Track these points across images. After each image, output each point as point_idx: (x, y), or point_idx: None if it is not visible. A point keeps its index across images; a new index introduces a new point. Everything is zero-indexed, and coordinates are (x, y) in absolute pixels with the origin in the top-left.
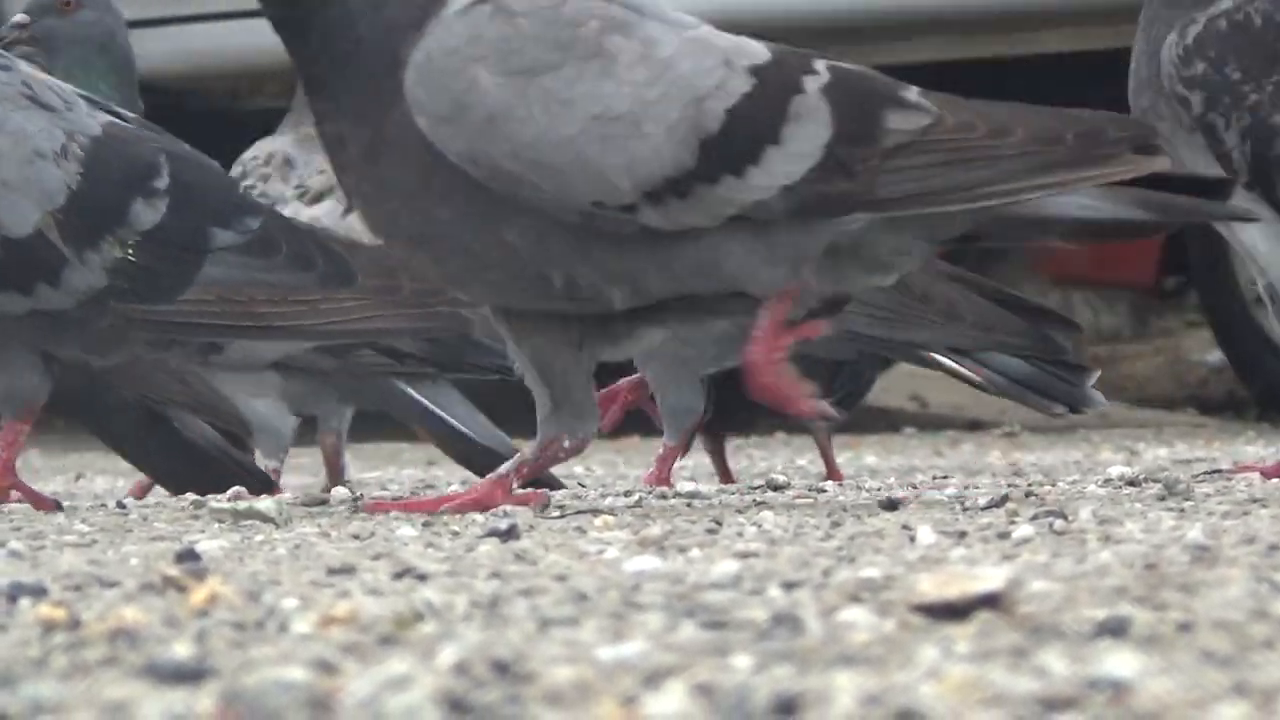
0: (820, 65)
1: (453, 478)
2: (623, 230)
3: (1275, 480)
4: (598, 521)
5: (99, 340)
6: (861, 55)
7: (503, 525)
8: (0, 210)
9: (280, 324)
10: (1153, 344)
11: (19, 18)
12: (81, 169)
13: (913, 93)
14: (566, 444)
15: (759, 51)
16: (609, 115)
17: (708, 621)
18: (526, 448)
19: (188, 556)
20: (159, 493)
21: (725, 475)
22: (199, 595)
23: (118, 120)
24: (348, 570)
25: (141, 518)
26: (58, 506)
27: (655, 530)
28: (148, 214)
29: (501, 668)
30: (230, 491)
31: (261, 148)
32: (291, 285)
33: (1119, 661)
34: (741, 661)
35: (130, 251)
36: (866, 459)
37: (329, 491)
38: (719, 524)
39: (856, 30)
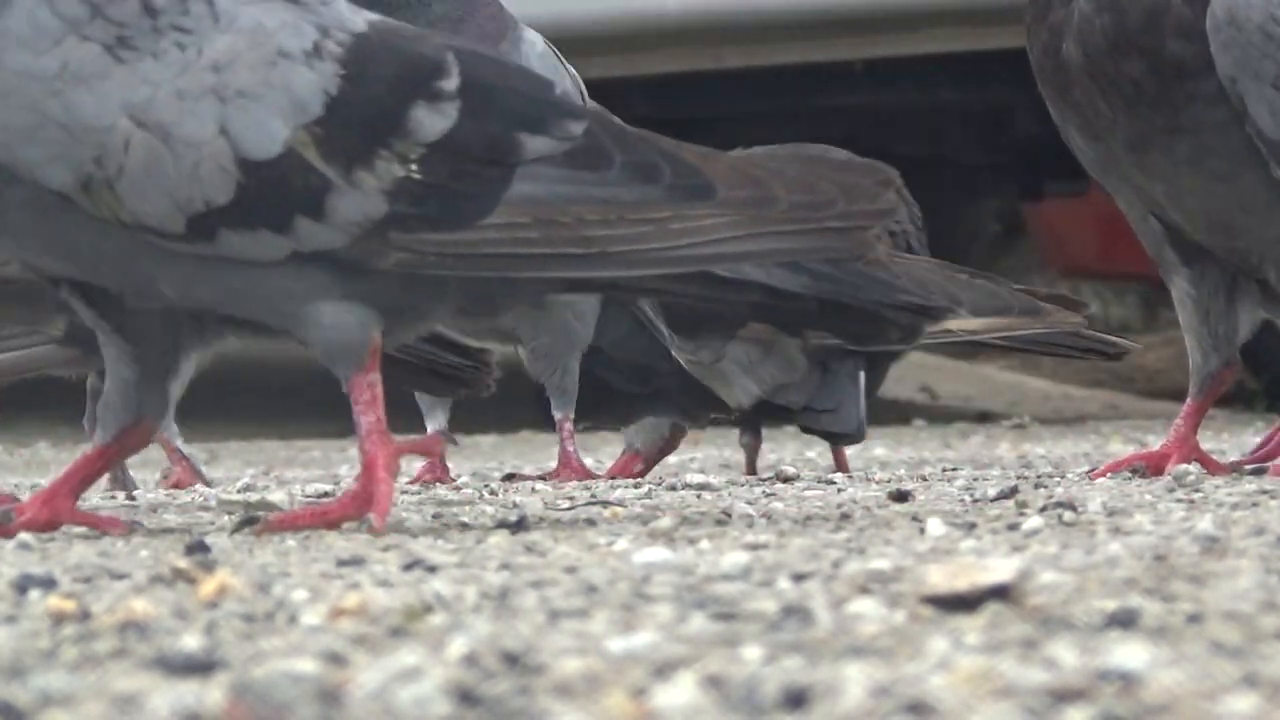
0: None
1: (461, 469)
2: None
3: None
4: (607, 513)
5: (386, 297)
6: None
7: (513, 517)
8: (238, 127)
9: (619, 249)
10: (1162, 335)
11: None
12: (343, 70)
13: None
14: None
15: None
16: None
17: (718, 613)
18: None
19: (197, 548)
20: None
21: (751, 469)
22: (208, 587)
23: (389, 20)
24: (357, 562)
25: (151, 510)
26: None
27: (665, 522)
28: (434, 120)
29: (511, 659)
30: (240, 484)
31: None
32: (631, 201)
33: (1129, 653)
34: (751, 653)
35: (415, 168)
36: (876, 451)
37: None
38: (729, 515)
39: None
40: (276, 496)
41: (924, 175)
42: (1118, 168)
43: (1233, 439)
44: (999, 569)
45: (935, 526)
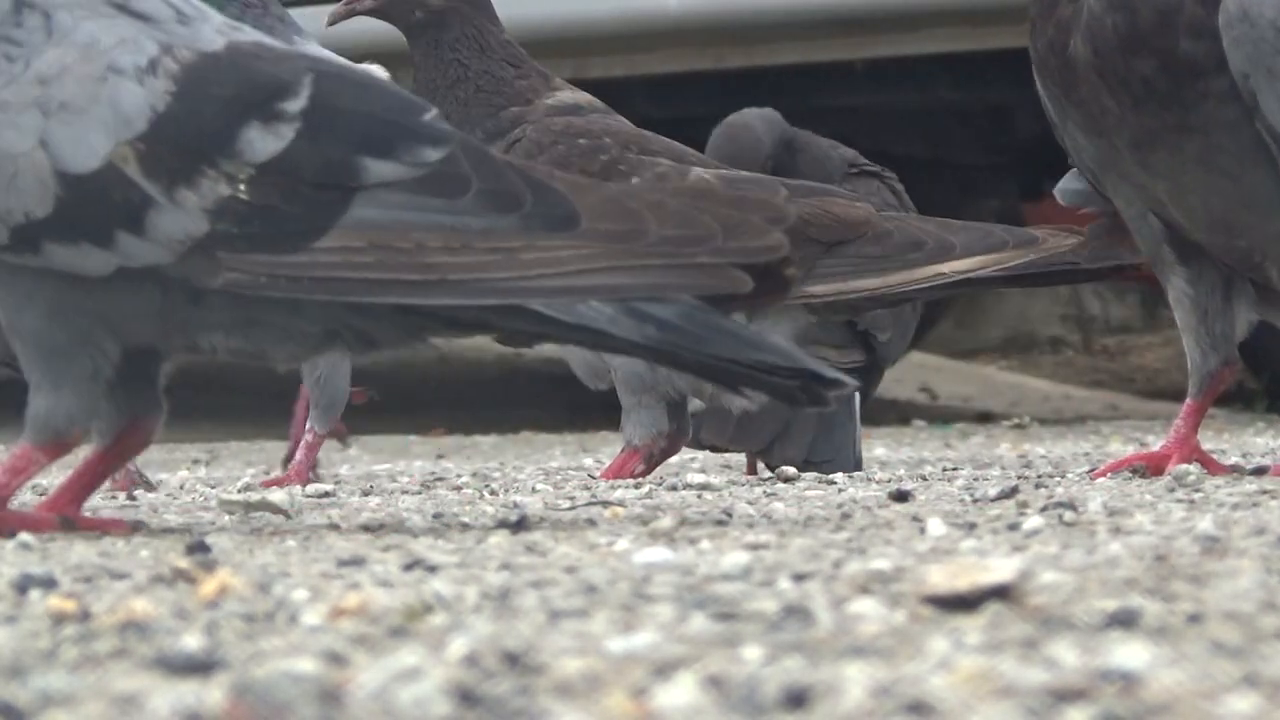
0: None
1: (462, 469)
2: None
3: None
4: (608, 513)
5: (226, 318)
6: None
7: (513, 517)
8: (57, 140)
9: (459, 277)
10: (1162, 335)
11: None
12: (175, 87)
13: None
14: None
15: None
16: None
17: (718, 613)
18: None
19: (198, 548)
20: (168, 486)
21: (752, 469)
22: (209, 587)
23: (266, 41)
24: (358, 562)
25: (152, 509)
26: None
27: (665, 522)
28: (266, 142)
29: (511, 659)
30: (240, 483)
31: None
32: (479, 229)
33: (1129, 653)
34: (752, 653)
35: (243, 188)
36: (876, 451)
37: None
38: (729, 516)
39: (863, 22)
40: (277, 496)
41: (924, 175)
42: (1118, 165)
43: (1233, 439)
44: (999, 569)
45: (935, 526)
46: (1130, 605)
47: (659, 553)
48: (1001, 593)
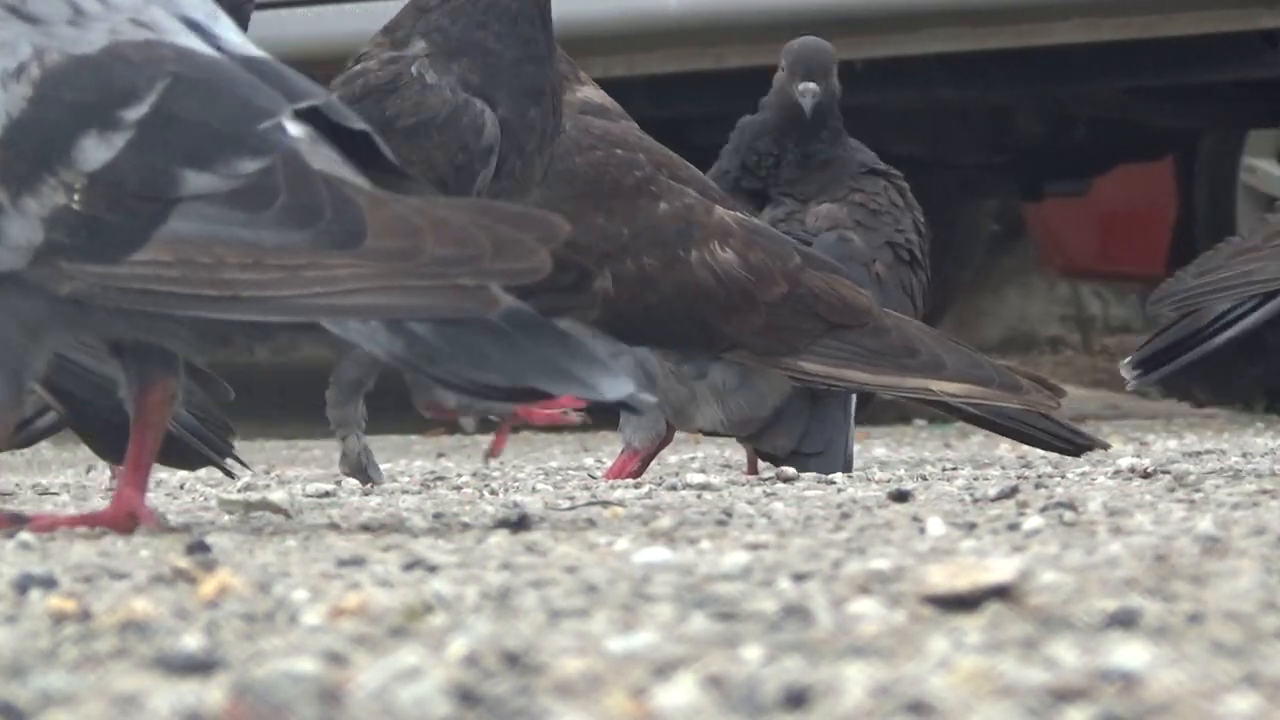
0: None
1: (463, 469)
2: None
3: None
4: (608, 513)
5: (79, 316)
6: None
7: (513, 517)
8: None
9: (251, 294)
10: None
11: None
12: (33, 93)
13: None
14: None
15: None
16: None
17: (718, 613)
18: None
19: (198, 548)
20: (168, 485)
21: (753, 468)
22: (209, 587)
23: (155, 39)
24: (358, 562)
25: (151, 509)
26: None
27: (665, 522)
28: (98, 151)
29: (512, 659)
30: (241, 482)
31: None
32: (273, 245)
33: (1129, 653)
34: (752, 653)
35: (76, 198)
36: (876, 451)
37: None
38: (729, 515)
39: (863, 22)
40: (277, 496)
41: (924, 175)
42: None
43: (1233, 439)
44: (999, 569)
45: (935, 526)
46: (1130, 605)
47: (659, 552)
48: (1001, 593)
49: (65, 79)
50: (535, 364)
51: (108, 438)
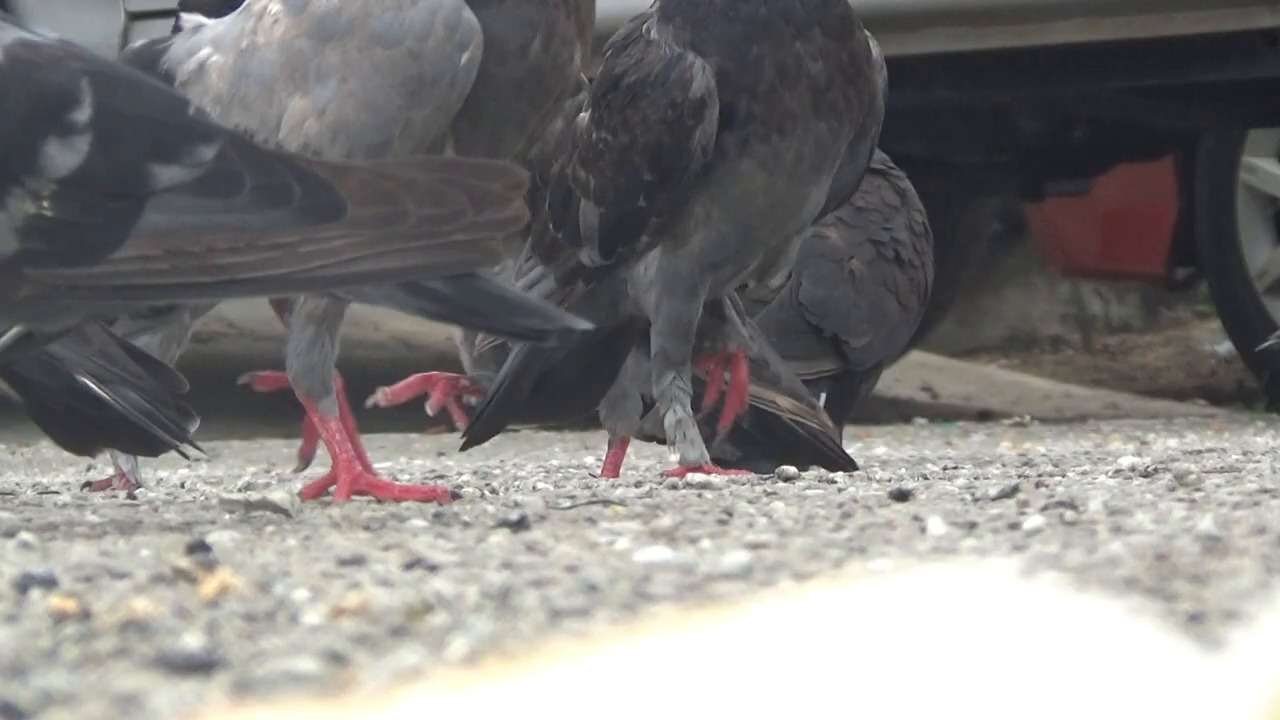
0: None
1: (463, 468)
2: None
3: None
4: (608, 512)
5: (28, 310)
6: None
7: (514, 516)
8: None
9: (247, 276)
10: (1163, 334)
11: None
12: None
13: None
14: None
15: None
16: None
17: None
18: None
19: (198, 548)
20: (169, 485)
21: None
22: (209, 586)
23: (31, 38)
24: (358, 561)
25: (152, 509)
26: None
27: (666, 521)
28: (65, 156)
29: (512, 659)
30: (241, 481)
31: None
32: (259, 226)
33: None
34: None
35: (46, 205)
36: (877, 449)
37: None
38: (730, 514)
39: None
40: (278, 495)
41: (924, 175)
42: None
43: (1233, 438)
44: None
45: (936, 526)
46: (1131, 605)
47: (659, 552)
48: None
49: (4, 89)
50: (523, 307)
51: (63, 424)
